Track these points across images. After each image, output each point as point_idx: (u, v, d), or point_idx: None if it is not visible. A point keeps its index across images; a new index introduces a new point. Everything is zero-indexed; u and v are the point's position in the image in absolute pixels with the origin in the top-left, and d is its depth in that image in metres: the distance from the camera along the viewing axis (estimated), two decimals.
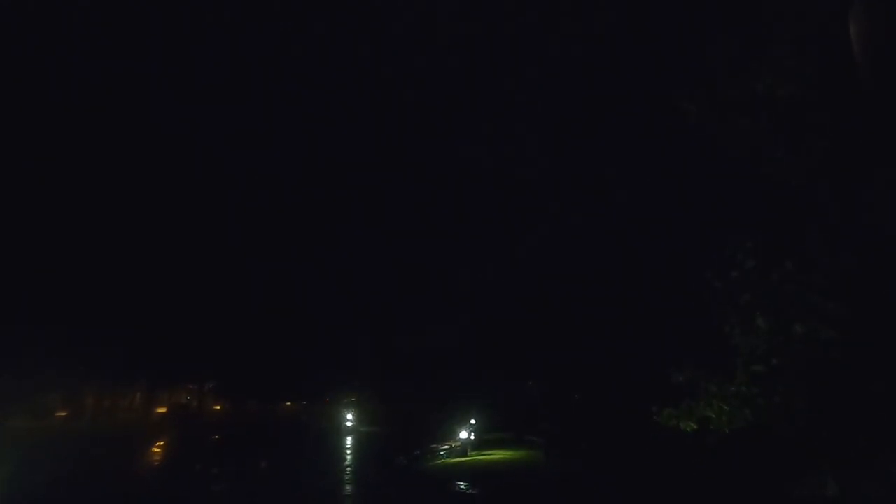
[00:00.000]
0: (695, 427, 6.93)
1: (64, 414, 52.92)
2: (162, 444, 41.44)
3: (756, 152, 6.62)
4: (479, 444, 34.03)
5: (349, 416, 57.23)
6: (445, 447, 32.95)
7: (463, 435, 32.58)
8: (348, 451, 39.92)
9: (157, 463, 34.21)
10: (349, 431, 52.99)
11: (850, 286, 5.90)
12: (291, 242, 62.66)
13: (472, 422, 34.47)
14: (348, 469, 30.71)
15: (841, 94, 6.04)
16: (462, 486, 22.06)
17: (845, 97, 6.00)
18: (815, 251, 6.12)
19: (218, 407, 70.12)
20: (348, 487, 24.87)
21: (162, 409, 62.55)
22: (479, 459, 30.13)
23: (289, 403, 74.09)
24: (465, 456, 31.39)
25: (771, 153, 6.50)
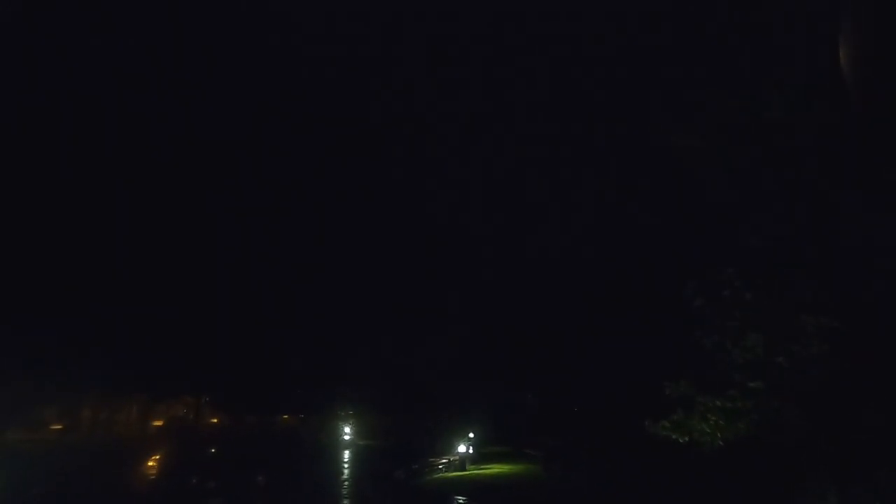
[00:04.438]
0: (687, 439, 6.99)
1: (60, 426, 52.49)
2: (158, 457, 41.12)
3: (741, 176, 6.77)
4: (477, 458, 33.85)
5: (347, 430, 56.92)
6: (444, 461, 32.77)
7: (461, 449, 32.41)
8: (346, 465, 39.63)
9: (152, 477, 33.92)
10: (347, 445, 52.65)
11: (840, 302, 5.99)
12: (292, 256, 62.70)
13: (471, 435, 34.33)
14: (346, 483, 30.47)
15: (828, 115, 6.17)
16: (461, 501, 21.93)
17: (832, 119, 6.13)
18: (805, 269, 6.22)
19: (215, 420, 69.60)
20: (346, 502, 24.68)
21: (159, 423, 62.08)
22: (479, 473, 29.95)
23: (286, 417, 73.62)
24: (464, 470, 31.20)
25: (756, 178, 6.64)
